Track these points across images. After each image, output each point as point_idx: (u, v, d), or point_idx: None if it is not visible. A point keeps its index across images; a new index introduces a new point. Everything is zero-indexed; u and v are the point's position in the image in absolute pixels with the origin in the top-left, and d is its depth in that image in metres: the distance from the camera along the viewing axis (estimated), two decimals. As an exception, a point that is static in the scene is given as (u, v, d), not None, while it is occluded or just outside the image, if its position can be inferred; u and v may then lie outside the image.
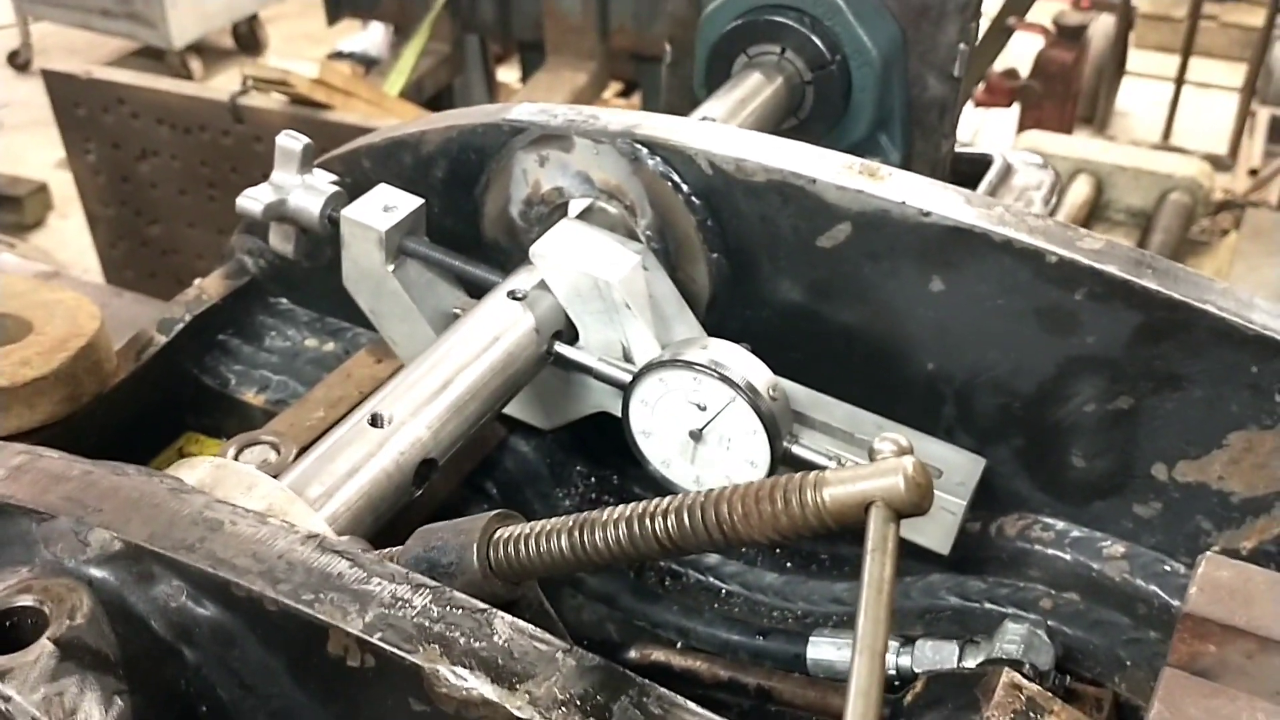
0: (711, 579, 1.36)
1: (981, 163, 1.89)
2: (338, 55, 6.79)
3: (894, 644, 1.15)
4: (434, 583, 0.76)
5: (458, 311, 1.28)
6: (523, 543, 0.80)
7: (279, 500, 0.92)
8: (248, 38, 8.30)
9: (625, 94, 6.62)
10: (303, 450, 1.20)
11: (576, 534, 0.77)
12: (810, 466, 1.16)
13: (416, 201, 1.33)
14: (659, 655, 1.22)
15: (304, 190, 1.35)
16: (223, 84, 7.74)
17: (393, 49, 6.13)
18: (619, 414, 1.28)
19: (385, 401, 1.10)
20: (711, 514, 0.72)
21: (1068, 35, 6.21)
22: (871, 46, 1.64)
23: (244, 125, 4.30)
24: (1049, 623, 1.21)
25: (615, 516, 0.76)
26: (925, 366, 1.24)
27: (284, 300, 1.65)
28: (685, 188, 1.25)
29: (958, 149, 1.86)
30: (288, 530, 0.80)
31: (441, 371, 1.14)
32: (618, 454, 1.43)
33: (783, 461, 1.15)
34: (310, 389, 1.55)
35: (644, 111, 1.30)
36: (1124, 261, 1.12)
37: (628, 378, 1.20)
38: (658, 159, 1.26)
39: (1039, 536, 1.26)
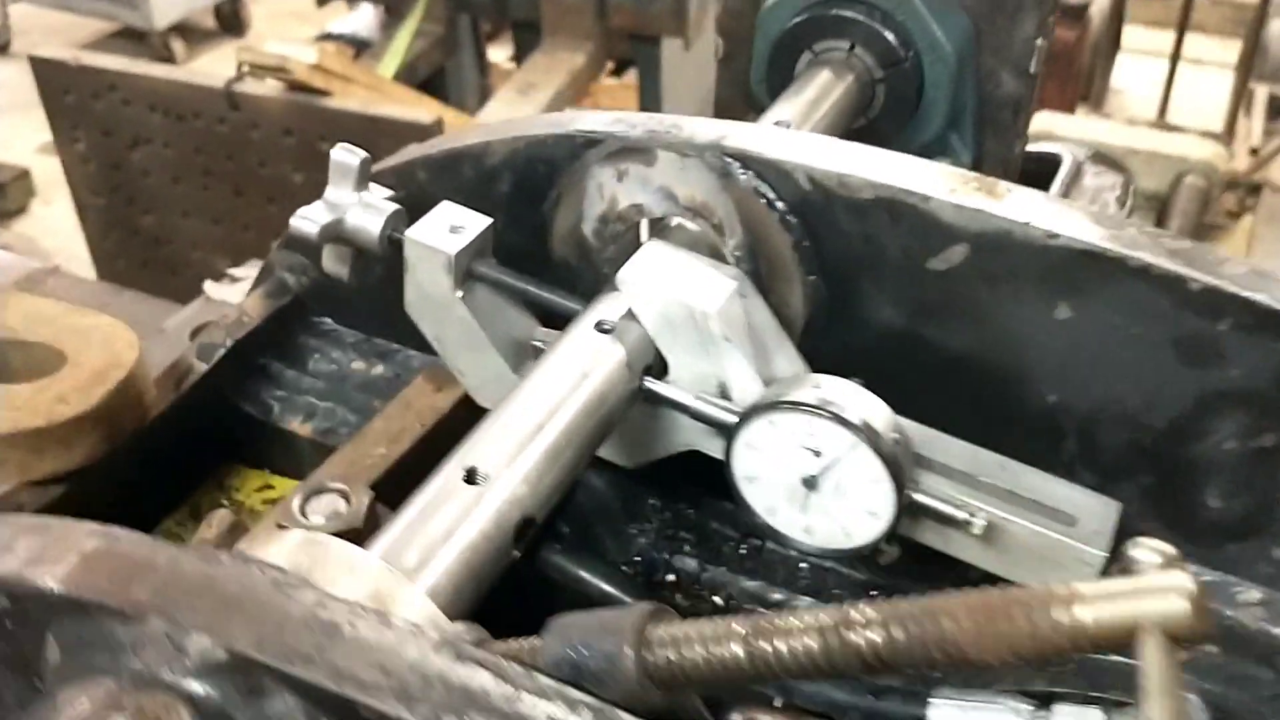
0: (802, 620, 1.27)
1: (1049, 162, 1.80)
2: (327, 37, 6.64)
3: (1026, 707, 1.06)
4: (594, 701, 0.67)
5: (539, 344, 1.18)
6: (686, 647, 0.71)
7: (385, 583, 0.82)
8: (231, 18, 8.13)
9: (617, 72, 6.49)
10: (376, 497, 1.11)
11: (756, 642, 0.68)
12: (938, 516, 1.07)
13: (485, 221, 1.23)
14: (764, 718, 1.13)
15: (361, 209, 1.25)
16: (206, 65, 7.59)
17: (384, 30, 5.99)
18: (712, 453, 1.19)
19: (476, 452, 1.00)
20: (933, 631, 0.63)
21: (1071, 14, 6.11)
22: (946, 41, 1.54)
23: (240, 112, 4.18)
24: (1184, 676, 1.13)
25: (805, 625, 0.67)
26: (1046, 398, 1.15)
27: (328, 320, 1.54)
28: (780, 205, 1.16)
29: (1020, 145, 1.77)
30: (416, 634, 0.71)
31: (532, 415, 1.05)
32: (693, 484, 1.34)
33: (906, 511, 1.06)
34: (360, 416, 1.45)
35: (729, 122, 1.20)
36: (1276, 290, 1.03)
37: (730, 418, 1.10)
38: (750, 173, 1.16)
39: (1164, 578, 1.17)
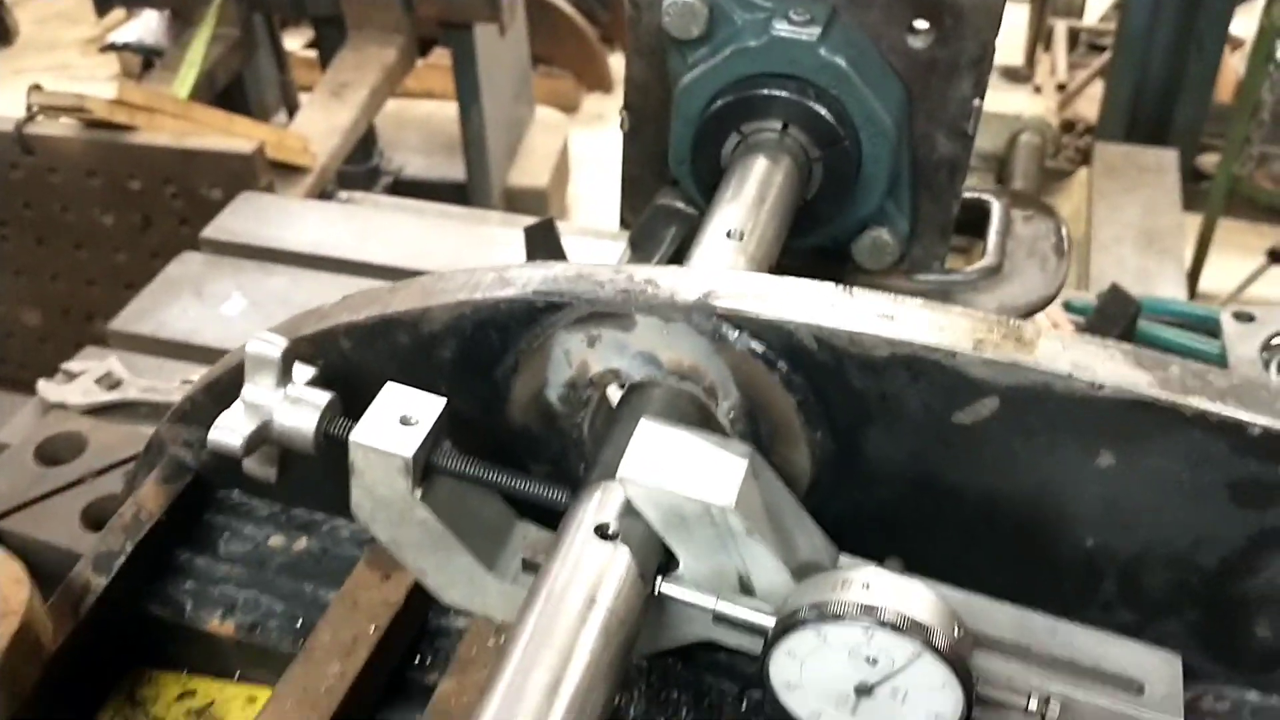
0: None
1: (977, 210, 1.71)
2: (111, 47, 6.15)
3: None
4: None
5: (528, 557, 1.03)
6: None
7: None
8: (-4, 27, 7.50)
9: (423, 52, 6.22)
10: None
11: None
12: (1003, 706, 0.97)
13: (438, 404, 1.07)
14: None
15: (290, 405, 1.07)
16: (-26, 85, 6.97)
17: (174, 37, 5.58)
18: (729, 645, 1.06)
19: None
20: None
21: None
22: (884, 114, 1.43)
23: (34, 156, 3.81)
24: (1242, 812, 1.07)
25: None
26: (1083, 543, 1.06)
27: (235, 492, 1.35)
28: (782, 365, 1.03)
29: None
30: None
31: (548, 667, 0.89)
32: (678, 637, 1.21)
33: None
34: (289, 605, 1.27)
35: (707, 270, 1.07)
36: (1338, 426, 0.95)
37: (765, 621, 0.98)
38: (745, 334, 1.03)
39: (1213, 708, 1.11)
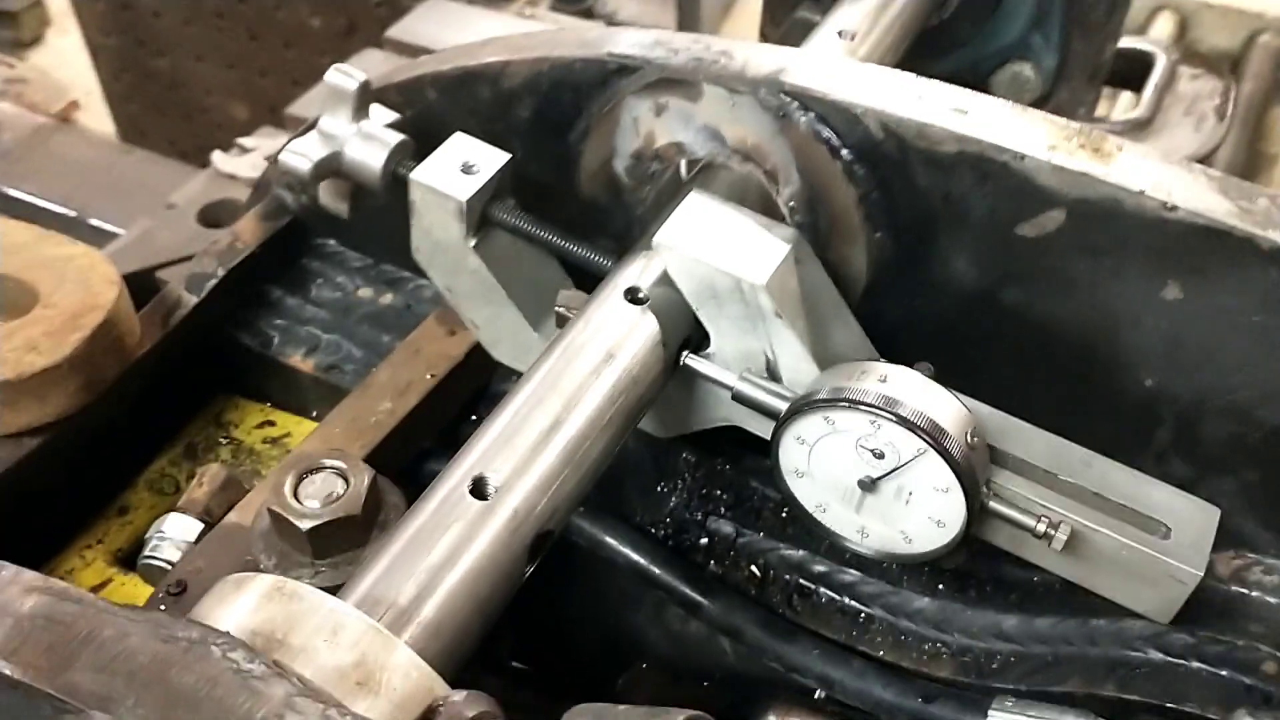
0: (848, 599, 1.15)
1: (1139, 61, 1.60)
2: None
3: (1097, 730, 0.95)
4: None
5: (562, 310, 1.04)
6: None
7: (372, 648, 0.70)
8: None
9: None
10: (378, 469, 0.98)
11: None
12: (1013, 523, 0.94)
13: (501, 158, 1.07)
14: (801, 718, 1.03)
15: (361, 140, 1.09)
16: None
17: None
18: (755, 432, 1.06)
19: (486, 456, 0.87)
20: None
21: None
22: (1037, -70, 1.34)
23: (253, -48, 3.94)
24: (1272, 690, 1.01)
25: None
26: (1142, 383, 1.00)
27: (331, 242, 1.40)
28: (846, 154, 0.99)
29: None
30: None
31: (550, 408, 0.91)
32: (730, 440, 1.21)
33: (978, 518, 0.93)
34: (366, 351, 1.32)
35: (788, 48, 1.03)
36: None
37: (779, 405, 0.97)
38: (812, 115, 0.99)
39: (1259, 580, 1.04)
